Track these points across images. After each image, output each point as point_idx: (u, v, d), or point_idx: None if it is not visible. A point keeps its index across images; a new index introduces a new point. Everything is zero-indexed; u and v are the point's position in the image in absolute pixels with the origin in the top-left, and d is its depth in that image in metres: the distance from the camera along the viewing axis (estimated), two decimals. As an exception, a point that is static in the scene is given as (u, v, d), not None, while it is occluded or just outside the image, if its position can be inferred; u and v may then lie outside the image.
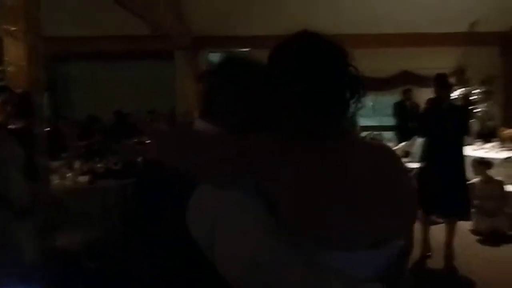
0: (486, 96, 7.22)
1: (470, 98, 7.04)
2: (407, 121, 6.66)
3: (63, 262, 3.22)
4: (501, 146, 6.04)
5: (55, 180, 3.81)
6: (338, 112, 0.99)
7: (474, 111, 6.64)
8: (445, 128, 3.81)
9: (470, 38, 7.04)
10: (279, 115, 1.00)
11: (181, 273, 1.05)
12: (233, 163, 0.96)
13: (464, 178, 4.01)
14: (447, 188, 3.82)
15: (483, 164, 4.71)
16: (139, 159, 4.41)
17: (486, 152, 5.62)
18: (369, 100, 8.36)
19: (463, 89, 7.06)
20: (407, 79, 8.21)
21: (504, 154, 5.50)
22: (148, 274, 1.14)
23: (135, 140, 5.50)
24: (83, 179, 3.92)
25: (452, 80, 4.48)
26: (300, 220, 0.92)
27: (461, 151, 3.97)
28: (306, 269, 0.91)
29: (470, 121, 4.58)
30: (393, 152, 1.09)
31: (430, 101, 5.09)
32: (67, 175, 3.95)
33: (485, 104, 7.15)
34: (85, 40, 7.93)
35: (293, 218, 0.92)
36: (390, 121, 8.41)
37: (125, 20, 5.89)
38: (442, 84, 4.02)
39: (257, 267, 0.91)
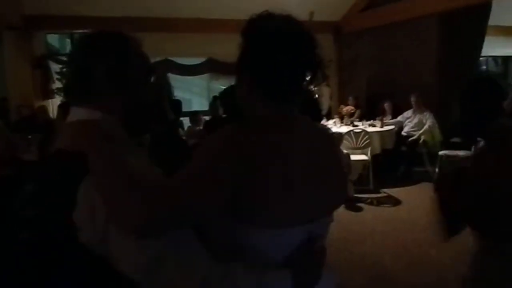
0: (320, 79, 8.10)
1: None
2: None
3: None
4: (340, 122, 6.87)
5: None
6: (296, 96, 1.04)
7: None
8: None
9: (310, 26, 7.70)
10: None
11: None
12: None
13: None
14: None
15: (339, 137, 5.37)
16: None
17: (329, 127, 6.29)
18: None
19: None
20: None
21: (344, 129, 6.27)
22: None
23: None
24: None
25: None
26: (243, 199, 0.92)
27: None
28: (211, 267, 0.88)
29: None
30: (331, 134, 1.18)
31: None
32: None
33: (320, 86, 8.06)
34: None
35: (239, 198, 0.91)
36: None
37: None
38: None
39: (158, 264, 0.84)
